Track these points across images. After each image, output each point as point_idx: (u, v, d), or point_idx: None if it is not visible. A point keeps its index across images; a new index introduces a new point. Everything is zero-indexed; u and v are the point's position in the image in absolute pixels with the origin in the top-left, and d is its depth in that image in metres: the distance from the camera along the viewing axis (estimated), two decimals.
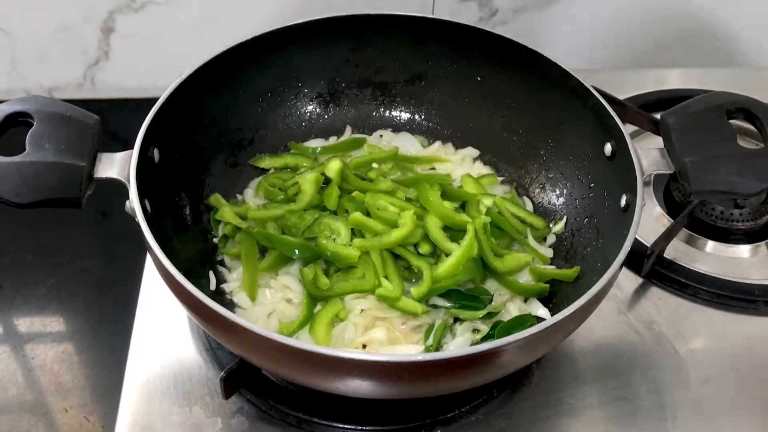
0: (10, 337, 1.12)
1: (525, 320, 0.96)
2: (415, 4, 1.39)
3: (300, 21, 1.08)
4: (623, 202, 0.93)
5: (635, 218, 0.87)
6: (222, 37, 1.04)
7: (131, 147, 0.90)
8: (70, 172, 0.85)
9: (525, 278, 1.02)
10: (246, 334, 0.76)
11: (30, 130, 0.87)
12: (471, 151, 1.18)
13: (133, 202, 0.85)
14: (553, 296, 1.00)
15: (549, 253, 1.06)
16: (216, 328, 0.81)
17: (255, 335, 0.75)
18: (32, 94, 1.28)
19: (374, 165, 1.14)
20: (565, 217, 1.07)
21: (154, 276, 1.05)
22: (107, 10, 1.37)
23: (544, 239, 1.08)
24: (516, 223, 1.06)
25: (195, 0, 1.37)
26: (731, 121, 0.91)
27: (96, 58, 1.44)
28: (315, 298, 0.97)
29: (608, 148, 0.98)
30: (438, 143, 1.19)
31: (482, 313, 0.96)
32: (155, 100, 0.95)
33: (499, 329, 0.95)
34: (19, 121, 0.88)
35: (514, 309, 0.99)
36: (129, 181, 0.87)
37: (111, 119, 1.02)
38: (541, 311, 0.99)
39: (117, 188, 0.88)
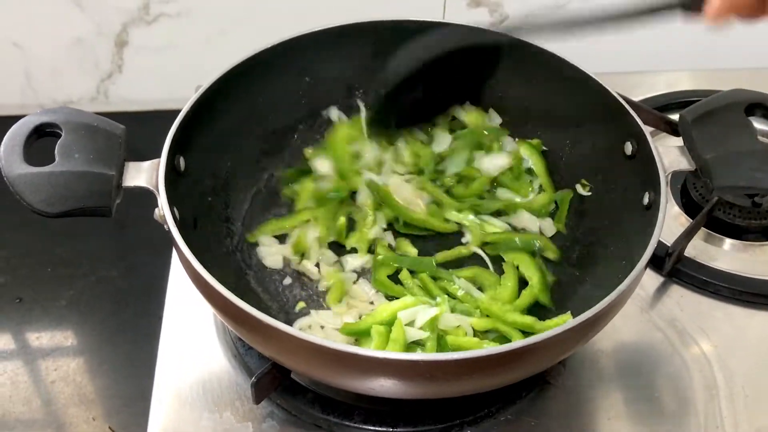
0: (31, 349, 1.12)
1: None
2: (424, 11, 1.39)
3: (314, 29, 1.09)
4: (646, 200, 0.94)
5: (660, 216, 0.87)
6: (235, 48, 1.05)
7: (148, 159, 0.90)
8: (100, 181, 0.85)
9: None
10: (281, 336, 0.76)
11: (59, 141, 0.87)
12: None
13: (164, 209, 0.86)
14: (570, 299, 1.01)
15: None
16: (250, 331, 0.81)
17: (290, 336, 0.76)
18: (47, 108, 1.28)
19: None
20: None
21: (180, 284, 1.06)
22: (121, 22, 1.37)
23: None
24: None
25: (208, 12, 1.38)
26: (750, 118, 0.92)
27: (109, 71, 1.44)
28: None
29: (628, 147, 0.99)
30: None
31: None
32: (169, 112, 0.96)
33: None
34: (46, 132, 0.88)
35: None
36: (158, 190, 0.87)
37: None
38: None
39: (135, 199, 0.89)
